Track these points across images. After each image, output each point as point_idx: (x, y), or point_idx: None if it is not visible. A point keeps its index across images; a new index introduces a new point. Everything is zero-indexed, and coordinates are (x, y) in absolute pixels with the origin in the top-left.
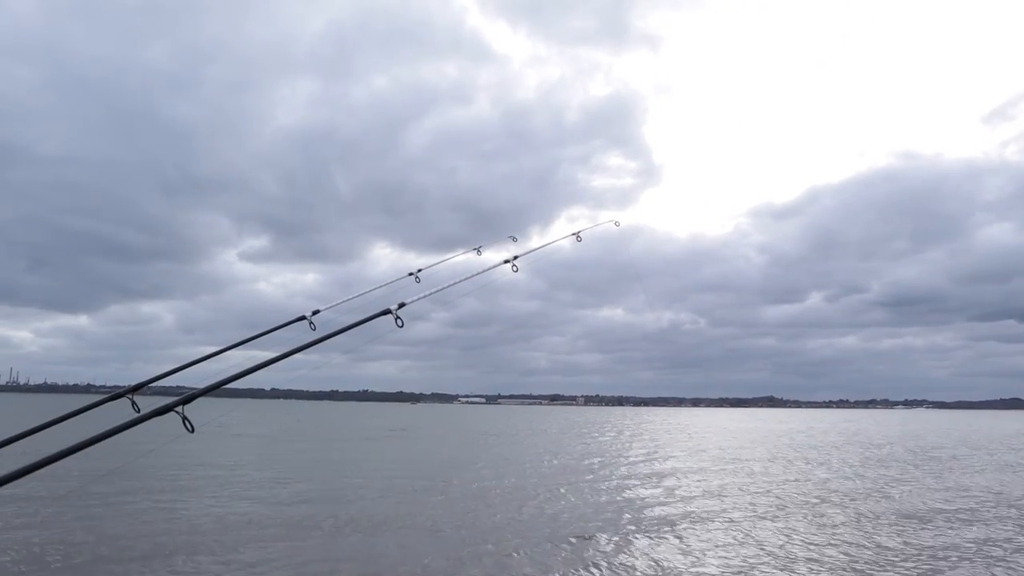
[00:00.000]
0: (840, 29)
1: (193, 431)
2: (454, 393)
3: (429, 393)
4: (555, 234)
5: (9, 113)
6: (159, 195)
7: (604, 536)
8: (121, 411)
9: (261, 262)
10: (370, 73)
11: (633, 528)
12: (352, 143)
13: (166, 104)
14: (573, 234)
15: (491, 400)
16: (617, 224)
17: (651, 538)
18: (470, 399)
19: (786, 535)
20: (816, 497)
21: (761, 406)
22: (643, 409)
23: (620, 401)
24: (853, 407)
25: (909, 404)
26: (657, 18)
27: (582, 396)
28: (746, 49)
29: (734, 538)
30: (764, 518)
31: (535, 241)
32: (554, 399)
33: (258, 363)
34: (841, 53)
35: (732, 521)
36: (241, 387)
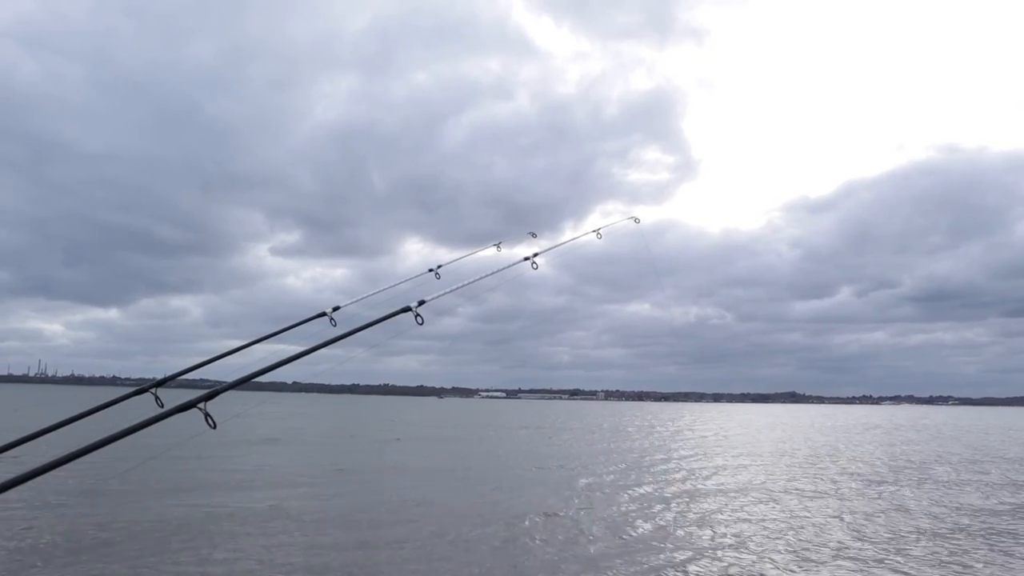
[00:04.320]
0: (882, 21)
1: (215, 427)
2: (475, 387)
3: (450, 387)
4: (584, 230)
5: (55, 111)
6: (197, 191)
7: None
8: (144, 406)
9: (292, 257)
10: (411, 69)
11: None
12: (389, 139)
13: (209, 102)
14: (593, 231)
15: (511, 394)
16: (637, 221)
17: None
18: (490, 393)
19: None
20: None
21: (783, 402)
22: (668, 404)
23: (640, 396)
24: (877, 403)
25: (934, 400)
26: (703, 11)
27: (602, 391)
28: (788, 41)
29: None
30: None
31: (567, 235)
32: (574, 394)
33: (281, 359)
34: (883, 46)
35: None
36: (263, 381)
